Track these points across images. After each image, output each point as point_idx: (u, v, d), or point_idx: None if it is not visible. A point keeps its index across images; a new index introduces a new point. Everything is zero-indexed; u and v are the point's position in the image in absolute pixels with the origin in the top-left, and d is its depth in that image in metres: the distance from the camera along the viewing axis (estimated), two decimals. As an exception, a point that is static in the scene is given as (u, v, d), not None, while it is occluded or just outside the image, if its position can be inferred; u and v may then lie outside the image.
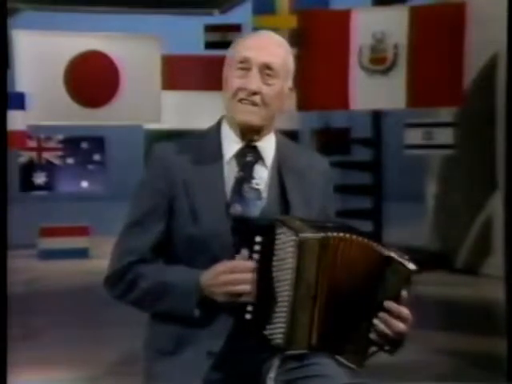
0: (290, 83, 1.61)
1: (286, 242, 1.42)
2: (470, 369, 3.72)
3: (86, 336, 4.36)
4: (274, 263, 1.44)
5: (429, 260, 6.88)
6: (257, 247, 1.44)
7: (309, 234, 1.41)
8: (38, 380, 3.46)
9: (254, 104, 1.55)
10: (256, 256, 1.45)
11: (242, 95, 1.55)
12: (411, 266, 1.42)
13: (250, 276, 1.44)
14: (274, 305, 1.43)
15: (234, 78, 1.56)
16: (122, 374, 3.55)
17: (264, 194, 1.57)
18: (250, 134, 1.58)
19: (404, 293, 1.44)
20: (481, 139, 6.54)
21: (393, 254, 1.43)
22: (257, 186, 1.56)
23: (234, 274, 1.45)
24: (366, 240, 1.44)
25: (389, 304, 1.43)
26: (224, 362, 1.52)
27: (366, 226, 6.90)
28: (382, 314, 1.43)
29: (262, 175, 1.58)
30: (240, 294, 1.45)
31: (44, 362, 3.79)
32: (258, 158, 1.59)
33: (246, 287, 1.45)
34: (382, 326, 1.44)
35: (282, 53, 1.58)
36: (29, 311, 5.18)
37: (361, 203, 7.29)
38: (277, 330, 1.43)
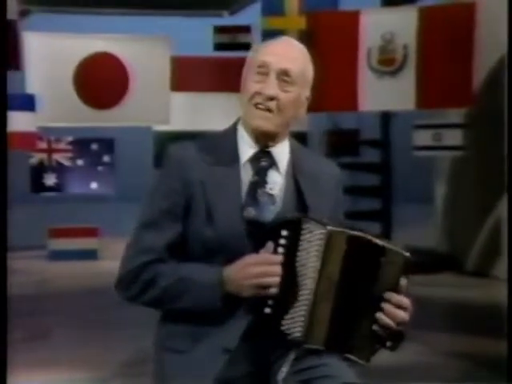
0: (307, 92, 1.60)
1: (312, 236, 1.44)
2: (478, 371, 3.70)
3: (95, 337, 4.37)
4: (298, 258, 1.45)
5: (438, 262, 6.86)
6: (282, 241, 1.45)
7: (338, 229, 1.44)
8: (47, 381, 3.47)
9: (269, 110, 1.54)
10: (281, 250, 1.45)
11: (258, 100, 1.54)
12: (405, 254, 1.43)
13: (278, 268, 1.45)
14: (295, 299, 1.44)
15: (251, 82, 1.56)
16: (131, 375, 3.56)
17: (278, 199, 1.58)
18: (264, 139, 1.59)
19: (403, 281, 1.45)
20: (490, 140, 6.52)
21: (386, 244, 1.44)
22: (270, 191, 1.57)
23: (262, 266, 1.45)
24: (366, 236, 1.45)
25: (388, 295, 1.44)
26: (239, 358, 1.52)
27: (375, 227, 6.89)
28: (382, 305, 1.44)
29: (276, 180, 1.58)
30: (266, 287, 1.45)
31: (52, 363, 3.80)
32: (272, 163, 1.59)
33: (276, 279, 1.45)
34: (383, 317, 1.44)
35: (302, 61, 1.58)
36: (38, 312, 5.20)
37: (370, 205, 7.28)
38: (296, 324, 1.44)
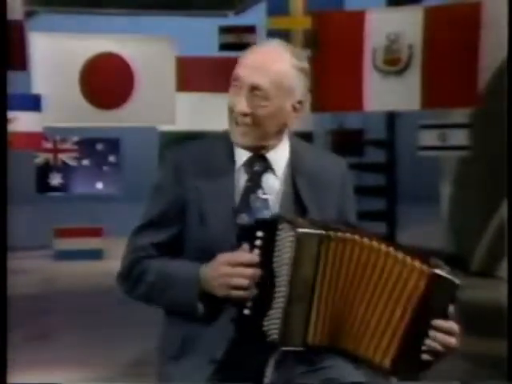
0: (297, 98, 1.54)
1: (285, 238, 1.42)
2: (481, 371, 3.70)
3: (100, 337, 4.38)
4: (274, 259, 1.43)
5: (443, 262, 6.84)
6: (258, 242, 1.44)
7: (307, 230, 1.41)
8: (51, 380, 3.48)
9: (246, 125, 1.51)
10: (257, 251, 1.44)
11: (234, 115, 1.52)
12: (457, 281, 1.42)
13: (249, 270, 1.43)
14: (272, 300, 1.42)
15: (230, 93, 1.54)
16: (135, 375, 3.57)
17: (275, 203, 1.56)
18: (251, 149, 1.56)
19: (451, 308, 1.43)
20: (495, 140, 6.51)
21: (438, 271, 1.41)
22: (264, 196, 1.55)
23: (233, 267, 1.43)
24: (375, 242, 1.41)
25: (438, 322, 1.41)
26: (226, 368, 1.51)
27: (380, 227, 6.89)
28: (432, 333, 1.41)
29: (272, 185, 1.56)
30: (238, 288, 1.43)
31: (57, 363, 3.81)
32: (267, 167, 1.57)
33: (244, 281, 1.43)
34: (434, 344, 1.41)
35: (278, 71, 1.50)
36: (43, 311, 5.22)
37: (374, 205, 7.27)
38: (273, 326, 1.43)
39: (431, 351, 1.41)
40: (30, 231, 8.43)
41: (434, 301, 1.41)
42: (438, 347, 1.41)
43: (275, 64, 1.51)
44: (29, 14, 7.96)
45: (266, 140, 1.55)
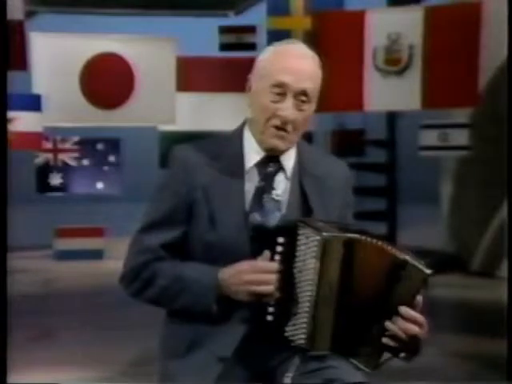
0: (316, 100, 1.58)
1: (308, 242, 1.42)
2: (481, 371, 3.70)
3: (100, 337, 4.38)
4: (296, 264, 1.43)
5: (443, 262, 6.85)
6: (279, 248, 1.44)
7: (333, 234, 1.42)
8: (52, 380, 3.48)
9: (286, 130, 1.53)
10: (278, 257, 1.44)
11: (276, 122, 1.52)
12: (426, 270, 1.41)
13: (273, 277, 1.44)
14: (296, 306, 1.43)
15: (267, 101, 1.52)
16: (136, 375, 3.57)
17: (284, 204, 1.56)
18: (273, 152, 1.57)
19: (419, 297, 1.43)
20: (496, 140, 6.51)
21: (408, 258, 1.41)
22: (277, 197, 1.56)
23: (257, 274, 1.44)
24: (380, 242, 1.44)
25: (402, 309, 1.42)
26: (235, 366, 1.52)
27: (381, 227, 6.89)
28: (395, 318, 1.42)
29: (283, 186, 1.57)
30: (262, 295, 1.44)
31: (58, 362, 3.81)
32: (279, 168, 1.58)
33: (269, 288, 1.43)
34: (394, 329, 1.42)
35: (318, 74, 1.55)
36: (44, 311, 5.22)
37: (375, 205, 7.27)
38: (299, 331, 1.43)
39: (392, 336, 1.42)
40: (30, 231, 8.44)
41: (399, 286, 1.42)
42: (398, 332, 1.42)
43: (313, 67, 1.54)
44: (29, 14, 7.96)
45: (294, 143, 1.58)
